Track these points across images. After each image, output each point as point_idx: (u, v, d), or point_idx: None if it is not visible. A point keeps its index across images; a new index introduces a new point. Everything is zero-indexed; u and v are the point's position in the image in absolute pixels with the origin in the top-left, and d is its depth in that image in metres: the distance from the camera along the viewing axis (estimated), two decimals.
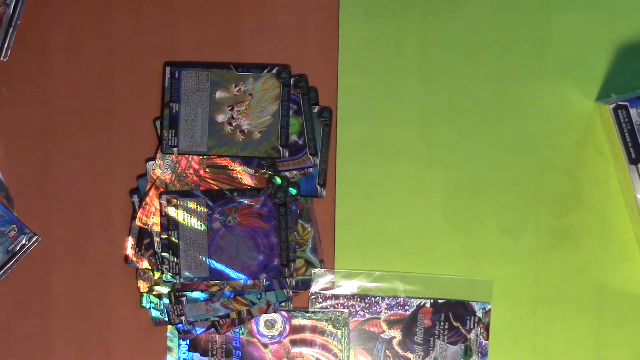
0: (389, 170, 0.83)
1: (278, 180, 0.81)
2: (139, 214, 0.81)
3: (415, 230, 0.83)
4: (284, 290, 0.81)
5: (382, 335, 0.82)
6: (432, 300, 0.82)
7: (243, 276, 0.80)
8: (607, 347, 0.83)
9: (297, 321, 0.82)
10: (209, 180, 0.81)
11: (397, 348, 0.82)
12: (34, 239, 0.83)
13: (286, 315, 0.82)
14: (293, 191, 0.81)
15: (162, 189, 0.81)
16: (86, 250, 0.83)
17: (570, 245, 0.83)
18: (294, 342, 0.82)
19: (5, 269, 0.82)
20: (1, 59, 0.83)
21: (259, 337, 0.82)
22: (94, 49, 0.84)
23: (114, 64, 0.84)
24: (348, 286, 0.83)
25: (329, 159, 0.83)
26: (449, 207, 0.83)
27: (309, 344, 0.82)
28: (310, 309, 0.82)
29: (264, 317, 0.82)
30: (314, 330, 0.82)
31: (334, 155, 0.83)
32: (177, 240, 0.80)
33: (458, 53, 0.84)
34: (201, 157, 0.81)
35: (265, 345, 0.82)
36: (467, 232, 0.83)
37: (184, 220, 0.80)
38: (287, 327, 0.82)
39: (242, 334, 0.82)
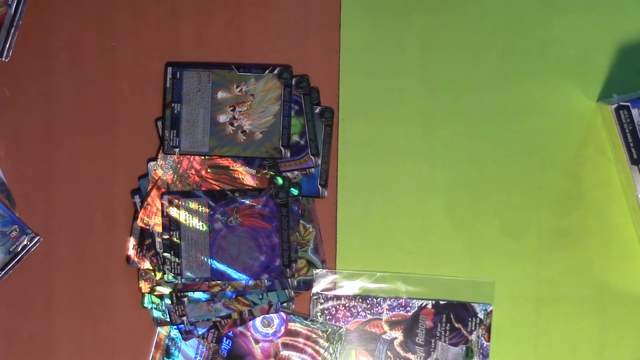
0: (390, 170, 0.83)
1: (280, 180, 0.81)
2: (140, 215, 0.81)
3: (417, 230, 0.83)
4: (286, 290, 0.81)
5: (383, 336, 0.82)
6: (433, 302, 0.82)
7: (245, 276, 0.81)
8: (609, 347, 0.83)
9: (293, 325, 0.82)
10: (211, 181, 0.81)
11: (398, 349, 0.82)
12: (36, 239, 0.83)
13: (284, 317, 0.82)
14: (295, 191, 0.81)
15: (163, 190, 0.81)
16: (88, 250, 0.83)
17: (572, 245, 0.83)
18: (285, 345, 0.82)
19: (7, 269, 0.83)
20: (3, 59, 0.83)
21: (252, 331, 0.82)
22: (96, 49, 0.84)
23: (115, 65, 0.84)
24: (350, 287, 0.83)
25: (331, 160, 0.83)
26: (451, 208, 0.83)
27: (300, 350, 0.82)
28: (310, 317, 0.82)
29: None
30: (307, 338, 0.82)
31: (336, 155, 0.83)
32: (178, 241, 0.80)
33: (460, 53, 0.84)
34: (203, 157, 0.82)
35: (257, 341, 0.82)
36: (469, 233, 0.83)
37: (185, 220, 0.80)
38: (283, 328, 0.82)
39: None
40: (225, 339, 0.82)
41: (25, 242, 0.83)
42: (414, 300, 0.82)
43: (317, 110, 0.83)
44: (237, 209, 0.81)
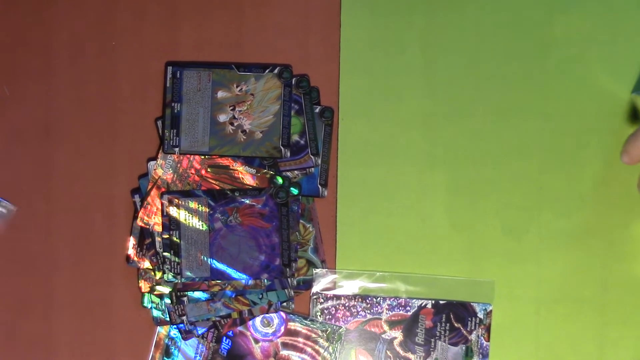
0: (390, 170, 0.83)
1: (279, 180, 0.81)
2: (140, 214, 0.81)
3: (417, 230, 0.83)
4: (286, 290, 0.81)
5: (383, 335, 0.82)
6: (433, 301, 0.82)
7: (244, 276, 0.81)
8: (610, 348, 0.83)
9: (293, 325, 0.82)
10: (211, 180, 0.81)
11: (398, 349, 0.82)
12: (10, 207, 0.83)
13: (284, 316, 0.82)
14: (295, 191, 0.81)
15: (163, 189, 0.81)
16: (88, 250, 0.83)
17: (572, 245, 0.83)
18: (285, 345, 0.82)
19: None
20: None
21: (252, 331, 0.82)
22: (96, 48, 0.84)
23: (116, 64, 0.84)
24: (349, 286, 0.82)
25: (331, 159, 0.83)
26: (451, 208, 0.83)
27: (299, 350, 0.82)
28: (309, 317, 0.82)
29: None
30: (307, 337, 0.82)
31: (336, 155, 0.83)
32: (178, 240, 0.80)
33: (460, 53, 0.84)
34: (203, 157, 0.82)
35: (257, 341, 0.82)
36: (469, 233, 0.83)
37: (185, 220, 0.80)
38: (283, 328, 0.82)
39: None
40: (225, 338, 0.82)
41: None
42: (414, 300, 0.82)
43: (317, 110, 0.83)
44: (237, 209, 0.81)
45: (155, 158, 0.83)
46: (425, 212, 0.83)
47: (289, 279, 0.81)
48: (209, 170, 0.81)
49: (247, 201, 0.81)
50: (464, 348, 0.82)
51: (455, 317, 0.82)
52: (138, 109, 0.84)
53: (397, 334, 0.82)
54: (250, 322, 0.82)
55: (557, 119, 0.83)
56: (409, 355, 0.82)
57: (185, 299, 0.80)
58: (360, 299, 0.82)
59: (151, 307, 0.82)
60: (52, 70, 0.84)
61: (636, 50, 0.84)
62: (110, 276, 0.83)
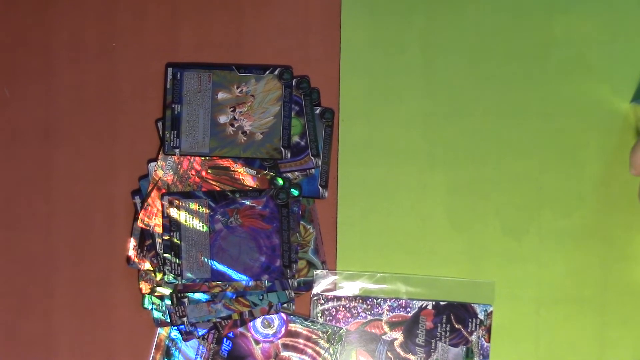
0: (391, 171, 0.83)
1: (280, 181, 0.81)
2: (140, 215, 0.81)
3: (417, 231, 0.83)
4: (286, 291, 0.81)
5: (383, 337, 0.82)
6: (434, 302, 0.82)
7: (245, 277, 0.81)
8: (610, 348, 0.83)
9: (294, 326, 0.82)
10: (211, 182, 0.81)
11: (398, 350, 0.82)
12: None
13: (284, 317, 0.82)
14: (295, 192, 0.81)
15: (164, 190, 0.81)
16: (88, 251, 0.83)
17: (572, 245, 0.83)
18: (285, 346, 0.82)
19: None
20: None
21: (252, 332, 0.82)
22: (96, 49, 0.84)
23: (116, 65, 0.84)
24: (350, 288, 0.83)
25: (331, 160, 0.83)
26: (451, 208, 0.83)
27: (300, 351, 0.82)
28: (310, 318, 0.82)
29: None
30: (308, 339, 0.82)
31: (336, 156, 0.83)
32: (179, 242, 0.80)
33: (461, 53, 0.84)
34: (203, 158, 0.81)
35: (257, 342, 0.82)
36: (470, 233, 0.83)
37: (186, 221, 0.80)
38: (283, 329, 0.82)
39: None
40: (225, 339, 0.82)
41: None
42: (414, 301, 0.82)
43: (317, 111, 0.83)
44: (238, 210, 0.81)
45: (155, 159, 0.83)
46: (425, 213, 0.83)
47: (289, 280, 0.81)
48: (209, 171, 0.81)
49: (248, 202, 0.81)
50: (464, 349, 0.82)
51: (456, 318, 0.82)
52: (138, 109, 0.84)
53: (398, 335, 0.82)
54: (251, 324, 0.82)
55: (557, 119, 0.83)
56: (410, 356, 0.82)
57: (185, 300, 0.80)
58: (360, 300, 0.82)
59: (152, 309, 0.82)
60: (52, 71, 0.84)
61: (636, 51, 0.84)
62: (111, 277, 0.83)
